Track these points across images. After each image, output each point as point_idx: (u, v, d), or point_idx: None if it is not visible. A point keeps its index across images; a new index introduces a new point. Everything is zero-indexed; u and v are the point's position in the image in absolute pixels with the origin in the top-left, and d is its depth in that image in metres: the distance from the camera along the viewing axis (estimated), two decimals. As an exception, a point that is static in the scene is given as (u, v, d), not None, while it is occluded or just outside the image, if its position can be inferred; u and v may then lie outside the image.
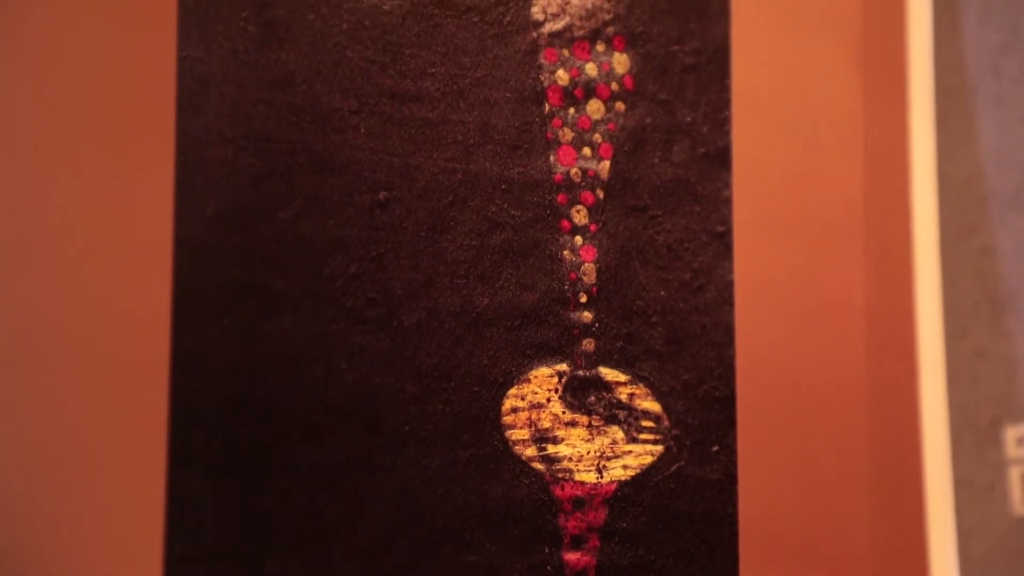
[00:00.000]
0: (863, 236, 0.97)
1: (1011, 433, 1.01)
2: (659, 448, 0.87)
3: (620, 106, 0.87)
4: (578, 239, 0.86)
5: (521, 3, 0.85)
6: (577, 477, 0.85)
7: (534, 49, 0.85)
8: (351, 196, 0.81)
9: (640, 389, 0.87)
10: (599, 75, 0.87)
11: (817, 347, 0.96)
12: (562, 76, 0.86)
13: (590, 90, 0.86)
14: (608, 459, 0.86)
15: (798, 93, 0.96)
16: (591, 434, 0.86)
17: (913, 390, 0.95)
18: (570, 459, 0.85)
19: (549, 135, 0.85)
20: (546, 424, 0.85)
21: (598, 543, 0.86)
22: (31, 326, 0.79)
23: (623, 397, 0.86)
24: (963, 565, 1.01)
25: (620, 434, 0.86)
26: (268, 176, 0.79)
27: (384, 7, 0.82)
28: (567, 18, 0.86)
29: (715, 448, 0.88)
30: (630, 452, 0.86)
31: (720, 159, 0.89)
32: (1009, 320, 1.01)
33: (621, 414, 0.86)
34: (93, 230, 0.79)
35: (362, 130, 0.81)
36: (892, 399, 0.96)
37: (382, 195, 0.82)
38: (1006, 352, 1.01)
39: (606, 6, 0.87)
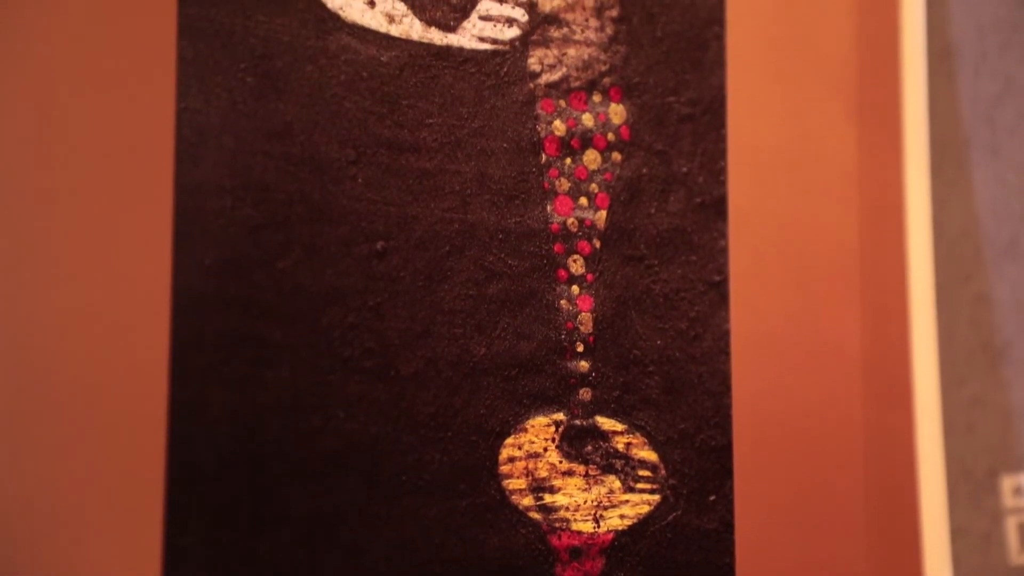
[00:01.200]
0: (859, 285, 0.99)
1: (1008, 482, 1.02)
2: (656, 498, 0.88)
3: (616, 156, 0.89)
4: (575, 288, 0.87)
5: (518, 54, 0.87)
6: (574, 527, 0.86)
7: (531, 100, 0.87)
8: (349, 246, 0.82)
9: (637, 438, 0.88)
10: (596, 125, 0.88)
11: (814, 396, 0.97)
12: (559, 126, 0.87)
13: (587, 140, 0.88)
14: (605, 508, 0.87)
15: (794, 143, 0.98)
16: (588, 483, 0.87)
17: (910, 439, 0.96)
18: (567, 508, 0.86)
19: (546, 185, 0.87)
20: (543, 473, 0.86)
21: (596, 593, 0.87)
22: (30, 378, 0.79)
23: (620, 446, 0.87)
24: (960, 614, 1.02)
25: (617, 483, 0.87)
26: (266, 226, 0.80)
27: (382, 58, 0.83)
28: (564, 69, 0.88)
29: (712, 498, 0.89)
30: (627, 502, 0.87)
31: (716, 209, 0.90)
32: (1005, 369, 1.02)
33: (618, 463, 0.87)
34: (92, 279, 0.80)
35: (360, 180, 0.82)
36: (889, 448, 0.97)
37: (380, 245, 0.82)
38: (1002, 401, 1.02)
39: (602, 57, 0.89)
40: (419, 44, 0.85)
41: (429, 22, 0.85)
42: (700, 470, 0.89)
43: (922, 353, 0.96)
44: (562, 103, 0.88)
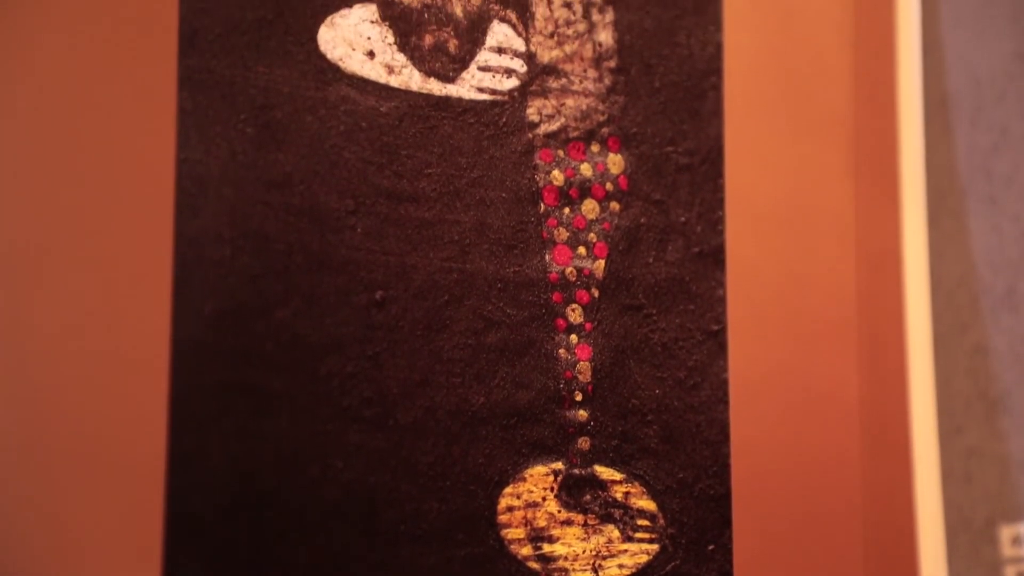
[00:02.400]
0: (857, 335, 0.99)
1: (1006, 532, 1.02)
2: (655, 547, 0.89)
3: (615, 206, 0.90)
4: (573, 338, 0.88)
5: (517, 104, 0.88)
6: (573, 576, 0.87)
7: (530, 149, 0.88)
8: (348, 295, 0.83)
9: (635, 488, 0.89)
10: (594, 175, 0.90)
11: (812, 445, 0.97)
12: (557, 176, 0.89)
13: (585, 190, 0.89)
14: (604, 558, 0.88)
15: (791, 193, 0.99)
16: (587, 533, 0.87)
17: (908, 488, 0.96)
18: (566, 558, 0.87)
19: (544, 234, 0.88)
20: (542, 523, 0.87)
21: (595, 644, 0.88)
22: (30, 427, 0.80)
23: (619, 496, 0.88)
24: (960, 664, 1.03)
25: (616, 533, 0.88)
26: (265, 276, 0.81)
27: (381, 109, 0.85)
28: (562, 119, 0.89)
29: (711, 547, 0.90)
30: (626, 551, 0.88)
31: (714, 258, 0.92)
32: (1003, 419, 1.03)
33: (617, 513, 0.88)
34: (93, 328, 0.80)
35: (359, 230, 0.83)
36: (887, 497, 0.97)
37: (378, 294, 0.83)
38: (1000, 451, 1.03)
39: (601, 107, 0.90)
40: (418, 95, 0.86)
41: (428, 73, 0.86)
42: (699, 519, 0.90)
43: (920, 403, 0.96)
44: (560, 153, 0.89)
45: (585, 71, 0.90)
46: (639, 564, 0.88)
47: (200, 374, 0.79)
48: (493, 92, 0.88)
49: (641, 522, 0.88)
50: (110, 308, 0.81)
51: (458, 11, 0.87)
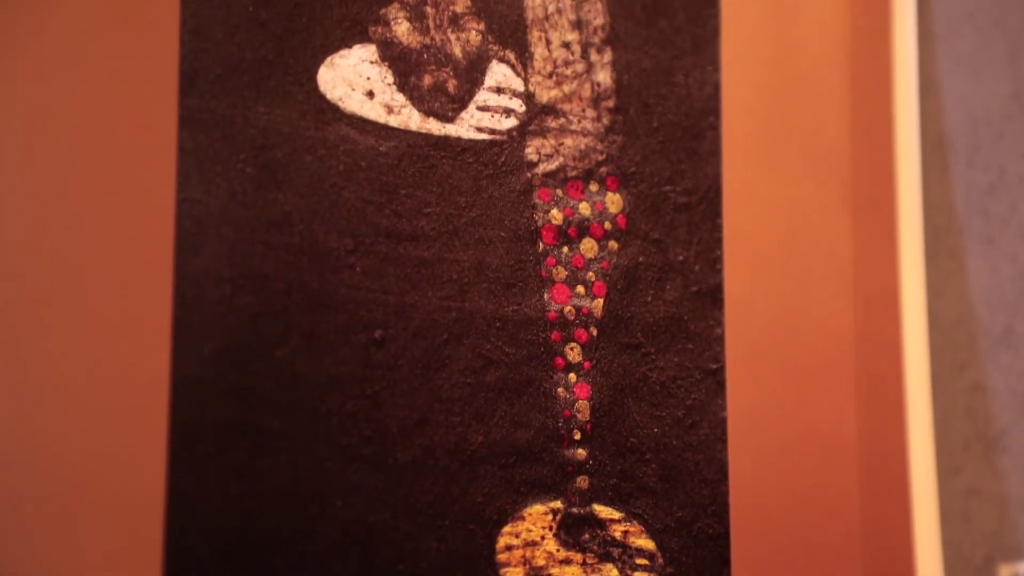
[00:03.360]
0: (855, 374, 1.00)
1: (1005, 571, 1.03)
2: (654, 586, 0.90)
3: (613, 245, 0.91)
4: (572, 376, 0.89)
5: (516, 144, 0.90)
6: (572, 616, 0.88)
7: (528, 189, 0.89)
8: (347, 334, 0.83)
9: (634, 526, 0.89)
10: (592, 214, 0.91)
11: (811, 484, 0.98)
12: (556, 215, 0.90)
13: (584, 229, 0.90)
14: (603, 597, 0.89)
15: (789, 232, 1.00)
16: (586, 572, 0.88)
17: (907, 527, 0.96)
18: (565, 598, 0.88)
19: (543, 273, 0.89)
20: (540, 562, 0.87)
21: None
22: (28, 461, 0.80)
23: (617, 535, 0.89)
24: None
25: (615, 572, 0.88)
26: (265, 315, 0.82)
27: (381, 148, 0.86)
28: (561, 159, 0.91)
29: (710, 586, 0.91)
30: (625, 590, 0.89)
31: (712, 297, 0.92)
32: (1001, 458, 1.04)
33: (615, 552, 0.89)
34: (93, 366, 0.81)
35: (358, 269, 0.84)
36: (886, 536, 0.98)
37: (377, 333, 0.84)
38: (998, 490, 1.04)
39: (599, 147, 0.91)
40: (417, 134, 0.87)
41: (427, 113, 0.87)
42: (697, 558, 0.90)
43: (918, 442, 0.97)
44: (559, 192, 0.90)
45: (584, 111, 0.91)
46: (638, 603, 0.89)
47: (199, 413, 0.80)
48: (492, 132, 0.89)
49: (640, 561, 0.89)
50: (110, 347, 0.81)
51: (457, 51, 0.88)
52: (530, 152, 0.90)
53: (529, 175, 0.90)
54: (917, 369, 0.98)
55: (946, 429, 1.05)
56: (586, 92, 0.92)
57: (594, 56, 0.92)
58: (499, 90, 0.90)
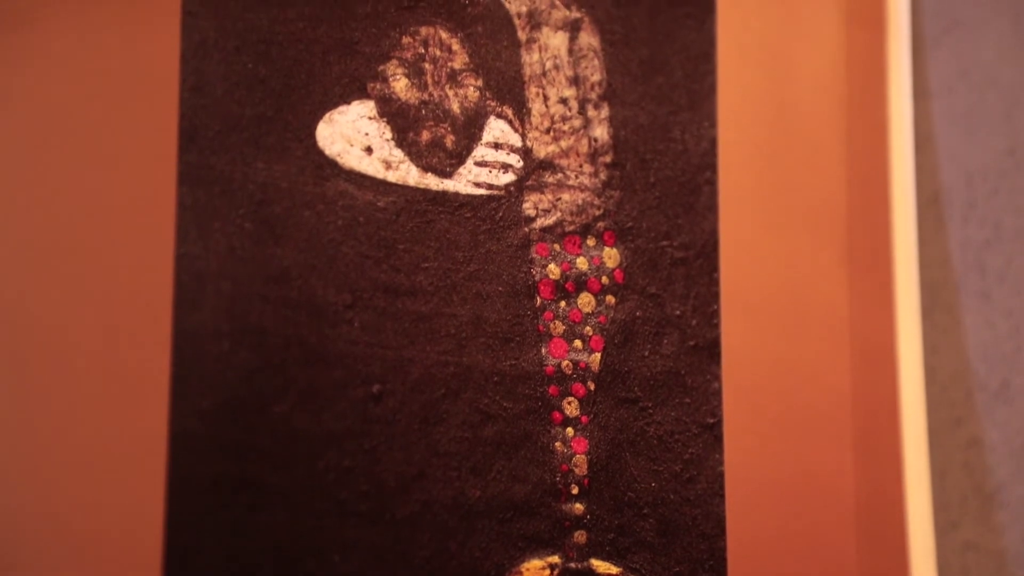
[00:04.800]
0: (852, 429, 1.01)
1: (1002, 626, 1.04)
2: (651, 642, 0.91)
3: (610, 299, 0.92)
4: (569, 431, 0.90)
5: (513, 199, 0.91)
6: (570, 672, 0.88)
7: (526, 244, 0.91)
8: (345, 389, 0.84)
9: (632, 582, 0.91)
10: (590, 269, 0.92)
11: (809, 540, 0.98)
12: (553, 270, 0.91)
13: (581, 283, 0.92)
14: (601, 653, 0.89)
15: (786, 287, 1.02)
16: (583, 627, 0.89)
17: (905, 582, 0.98)
18: (562, 653, 0.88)
19: (540, 328, 0.90)
20: (538, 617, 0.88)
21: None
22: (25, 517, 0.80)
23: (615, 590, 0.90)
24: None
25: (613, 627, 0.90)
26: (263, 370, 0.83)
27: (379, 204, 0.87)
28: (558, 213, 0.92)
29: (708, 642, 0.92)
30: (623, 646, 0.90)
31: (709, 351, 0.94)
32: (998, 513, 1.04)
33: (613, 607, 0.90)
34: (91, 422, 0.81)
35: (356, 324, 0.85)
36: (884, 591, 0.99)
37: (375, 388, 0.85)
38: (996, 545, 1.04)
39: (596, 202, 0.93)
40: (416, 190, 0.88)
41: (425, 168, 0.89)
42: (695, 613, 0.92)
43: (915, 497, 0.98)
44: (557, 247, 0.92)
45: (581, 166, 0.93)
46: (636, 659, 0.90)
47: (197, 468, 0.81)
48: (490, 187, 0.91)
49: (638, 616, 0.90)
50: (109, 402, 0.82)
51: (455, 107, 0.90)
52: (528, 207, 0.92)
53: (527, 230, 0.91)
54: (914, 424, 0.99)
55: (943, 484, 1.06)
56: (583, 147, 0.93)
57: (591, 112, 0.94)
58: (497, 145, 0.91)
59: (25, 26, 0.85)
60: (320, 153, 0.87)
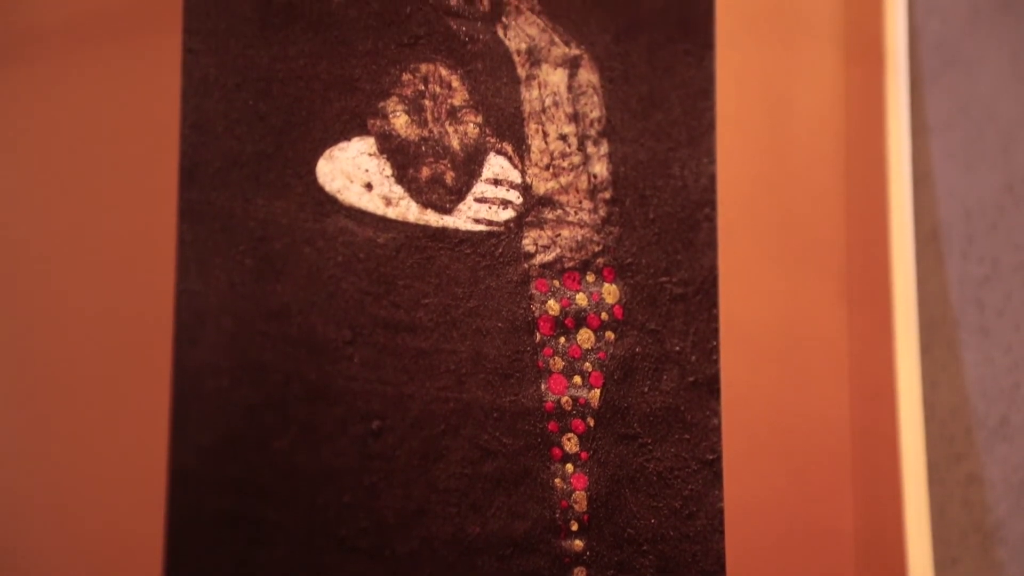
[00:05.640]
0: (851, 464, 1.02)
1: (1004, 663, 1.04)
2: None
3: (610, 335, 0.93)
4: (569, 467, 0.91)
5: (513, 235, 0.92)
6: None
7: (525, 280, 0.92)
8: (345, 426, 0.85)
9: (632, 618, 0.91)
10: (589, 305, 0.93)
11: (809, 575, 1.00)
12: (553, 306, 0.92)
13: (580, 320, 0.93)
14: None
15: (785, 323, 1.03)
16: (583, 664, 0.89)
17: (905, 620, 0.99)
18: None
19: (540, 364, 0.91)
20: (538, 654, 0.88)
21: None
22: (24, 556, 0.81)
23: (614, 627, 0.91)
24: None
25: (612, 664, 0.90)
26: (263, 406, 0.83)
27: (379, 240, 0.88)
28: (558, 250, 0.93)
29: None
30: None
31: (709, 387, 0.95)
32: (998, 549, 1.04)
33: (613, 643, 0.91)
34: (91, 458, 0.82)
35: (356, 360, 0.86)
36: (884, 629, 1.00)
37: (375, 424, 0.86)
38: None
39: (596, 238, 0.94)
40: (415, 226, 0.89)
41: (425, 204, 0.90)
42: (695, 651, 0.92)
43: (915, 533, 0.99)
44: (556, 283, 0.93)
45: (580, 202, 0.94)
46: None
47: (197, 504, 0.81)
48: (489, 223, 0.92)
49: (637, 653, 0.91)
50: (108, 438, 0.83)
51: (455, 144, 0.91)
52: (527, 243, 0.93)
53: (526, 266, 0.92)
54: (913, 460, 1.00)
55: (943, 520, 1.06)
56: (583, 184, 0.94)
57: (591, 148, 0.95)
58: (496, 182, 0.92)
59: (27, 64, 0.85)
60: (320, 189, 0.87)
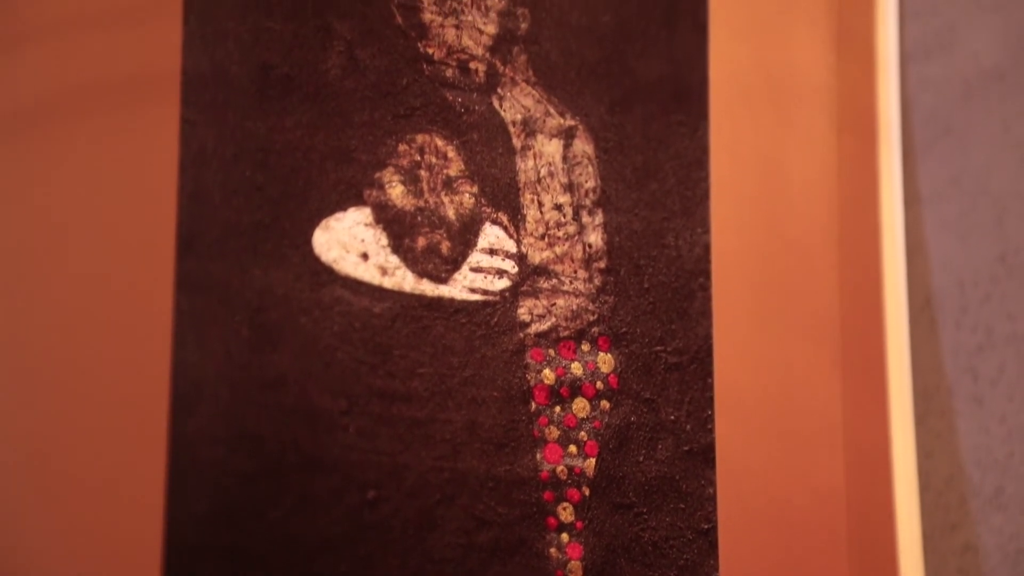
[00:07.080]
0: (847, 534, 1.03)
1: None
2: None
3: (605, 404, 0.95)
4: (564, 536, 0.92)
5: (508, 305, 0.94)
6: None
7: (521, 349, 0.93)
8: (340, 495, 0.86)
9: None
10: (584, 374, 0.95)
11: None
12: (548, 375, 0.94)
13: (576, 389, 0.94)
14: None
15: (779, 392, 1.04)
16: None
17: None
18: None
19: (535, 433, 0.92)
20: None
21: None
22: None
23: None
24: None
25: None
26: (259, 476, 0.84)
27: (375, 310, 0.89)
28: (553, 319, 0.95)
29: None
30: None
31: (704, 457, 0.96)
32: None
33: None
34: (86, 528, 0.82)
35: (351, 430, 0.87)
36: None
37: (371, 494, 0.86)
38: None
39: (591, 307, 0.96)
40: (411, 296, 0.90)
41: (421, 274, 0.91)
42: None
43: None
44: (551, 352, 0.94)
45: (575, 272, 0.96)
46: None
47: (193, 573, 0.82)
48: (485, 292, 0.93)
49: None
50: (105, 508, 0.83)
51: (451, 214, 0.93)
52: (522, 312, 0.94)
53: (521, 335, 0.94)
54: (909, 530, 1.01)
55: (938, 589, 1.07)
56: (578, 253, 0.96)
57: (586, 218, 0.97)
58: (492, 251, 0.94)
59: (27, 133, 0.86)
60: (317, 260, 0.89)
